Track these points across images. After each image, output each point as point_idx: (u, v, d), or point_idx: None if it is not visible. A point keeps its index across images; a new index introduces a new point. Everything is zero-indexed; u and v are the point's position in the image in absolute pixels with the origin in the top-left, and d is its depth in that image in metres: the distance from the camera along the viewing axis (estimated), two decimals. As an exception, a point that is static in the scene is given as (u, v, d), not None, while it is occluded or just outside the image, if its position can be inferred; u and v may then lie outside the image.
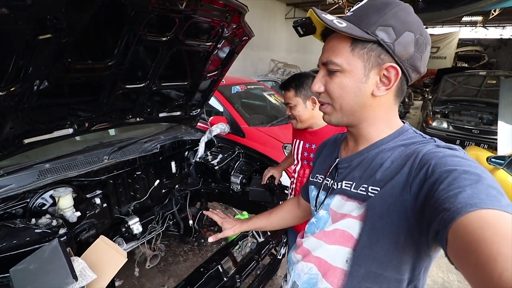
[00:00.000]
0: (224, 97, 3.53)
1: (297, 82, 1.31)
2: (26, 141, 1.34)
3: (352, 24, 0.52)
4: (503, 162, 2.46)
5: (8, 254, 1.02)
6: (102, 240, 1.14)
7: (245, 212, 2.45)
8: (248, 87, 4.12)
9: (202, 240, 2.61)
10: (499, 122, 3.53)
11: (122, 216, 1.77)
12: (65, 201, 1.36)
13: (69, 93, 1.37)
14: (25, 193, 1.34)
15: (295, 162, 1.49)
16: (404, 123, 0.61)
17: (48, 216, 1.26)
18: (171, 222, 2.07)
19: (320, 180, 0.71)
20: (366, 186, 0.55)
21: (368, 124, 0.58)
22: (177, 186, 2.19)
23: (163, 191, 2.09)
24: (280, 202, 1.55)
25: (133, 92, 1.64)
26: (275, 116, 3.72)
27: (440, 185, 0.42)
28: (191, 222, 2.05)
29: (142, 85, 1.60)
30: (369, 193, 0.54)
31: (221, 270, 1.05)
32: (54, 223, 1.21)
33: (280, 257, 1.66)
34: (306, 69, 11.26)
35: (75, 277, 0.81)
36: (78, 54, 1.15)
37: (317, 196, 0.70)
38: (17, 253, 1.04)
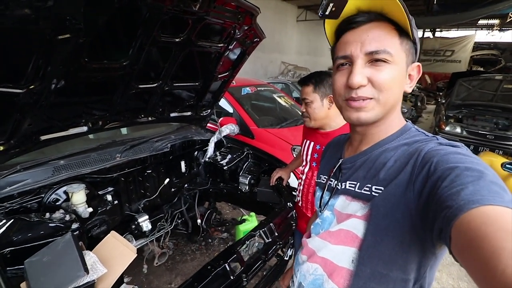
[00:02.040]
0: (234, 98, 3.56)
1: (317, 78, 1.29)
2: (43, 137, 1.38)
3: None
4: (519, 168, 2.39)
5: (23, 246, 1.06)
6: (113, 236, 1.16)
7: (252, 213, 2.46)
8: (258, 88, 4.14)
9: (210, 240, 2.63)
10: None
11: (132, 213, 1.80)
12: (78, 196, 1.40)
13: (85, 92, 1.41)
14: (40, 188, 1.38)
15: (304, 163, 1.48)
16: (406, 121, 0.61)
17: (61, 211, 1.31)
18: (179, 221, 2.09)
19: (324, 180, 0.71)
20: (370, 186, 0.55)
21: (385, 121, 0.57)
22: (186, 185, 2.21)
23: (173, 190, 2.11)
24: (288, 204, 1.55)
25: (146, 92, 1.67)
26: (285, 118, 3.72)
27: (442, 182, 0.42)
28: (199, 221, 2.07)
29: (155, 85, 1.63)
30: (373, 193, 0.54)
31: (228, 268, 1.05)
32: (67, 218, 1.25)
33: (287, 258, 1.65)
34: (316, 71, 11.21)
35: (87, 270, 0.83)
36: (95, 54, 1.19)
37: (322, 196, 0.70)
38: (31, 246, 1.08)
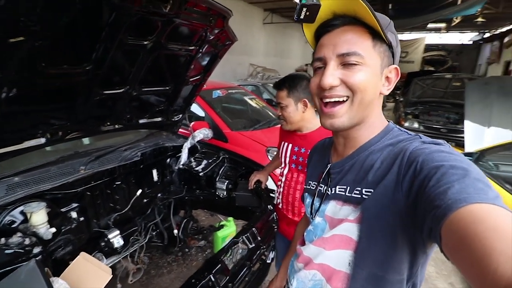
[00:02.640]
0: (206, 102, 3.48)
1: (290, 82, 1.31)
2: (-7, 153, 1.23)
3: None
4: (470, 158, 2.64)
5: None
6: (83, 257, 1.06)
7: (230, 218, 2.42)
8: (229, 91, 4.10)
9: (187, 250, 2.53)
10: (465, 121, 3.80)
11: (102, 230, 1.66)
12: (38, 217, 1.25)
13: (42, 100, 1.28)
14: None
15: (282, 165, 1.48)
16: (388, 122, 0.62)
17: (19, 234, 1.16)
18: (154, 233, 1.98)
19: (313, 187, 0.71)
20: (359, 189, 0.55)
21: (363, 124, 0.58)
22: (159, 195, 2.11)
23: (145, 201, 2.00)
24: (269, 207, 1.54)
25: (111, 98, 1.56)
26: (257, 120, 3.72)
27: (429, 181, 0.43)
28: (175, 231, 1.98)
29: (121, 90, 1.53)
30: (364, 195, 0.54)
31: (213, 279, 1.01)
32: (27, 241, 1.12)
33: (269, 261, 1.64)
34: (284, 73, 11.43)
35: (56, 301, 0.74)
36: (53, 58, 1.08)
37: (312, 203, 0.69)
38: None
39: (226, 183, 1.91)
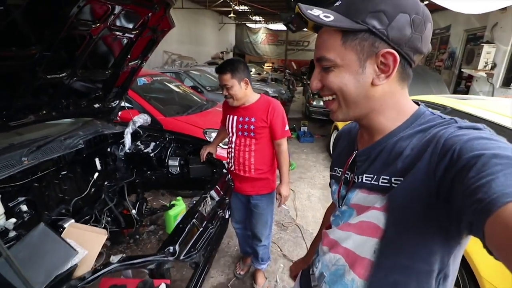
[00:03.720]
0: (132, 90, 3.38)
1: (231, 66, 1.56)
2: None
3: (340, 15, 0.51)
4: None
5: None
6: (73, 227, 1.12)
7: (179, 198, 2.57)
8: (154, 78, 4.05)
9: (137, 236, 2.57)
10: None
11: (56, 220, 1.62)
12: (-6, 209, 1.20)
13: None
14: None
15: (230, 134, 1.77)
16: (419, 105, 0.58)
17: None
18: (109, 219, 2.00)
19: (339, 174, 0.69)
20: (387, 177, 0.53)
21: (377, 114, 0.56)
22: (106, 182, 2.10)
23: (93, 189, 1.97)
24: (224, 170, 1.82)
25: (50, 84, 1.51)
26: (189, 105, 3.84)
27: (469, 172, 0.39)
28: (134, 211, 2.04)
29: (64, 74, 1.50)
30: (393, 184, 0.52)
31: (196, 223, 1.26)
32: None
33: (227, 217, 1.94)
34: (200, 61, 11.40)
35: (75, 250, 0.86)
36: (2, 40, 1.05)
37: (339, 191, 0.68)
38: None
39: (178, 160, 2.07)
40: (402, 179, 0.50)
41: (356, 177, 0.61)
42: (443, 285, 0.54)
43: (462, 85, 7.00)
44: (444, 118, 0.53)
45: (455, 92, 7.04)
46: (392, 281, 0.55)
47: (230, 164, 1.82)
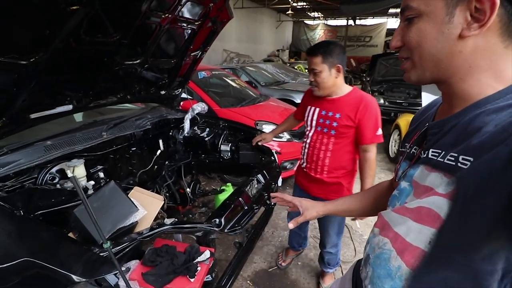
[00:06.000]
0: (193, 82, 3.66)
1: (325, 48, 1.34)
2: (33, 116, 1.37)
3: None
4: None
5: (49, 210, 1.13)
6: (136, 190, 1.28)
7: (229, 184, 2.70)
8: (213, 72, 4.30)
9: (190, 215, 2.78)
10: (422, 93, 4.37)
11: (127, 186, 1.86)
12: (80, 170, 1.44)
13: (72, 69, 1.43)
14: (36, 167, 1.38)
15: (308, 128, 1.58)
16: None
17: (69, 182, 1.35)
18: (167, 194, 2.21)
19: (408, 149, 0.62)
20: (456, 155, 0.45)
21: (462, 77, 0.47)
22: (166, 162, 2.32)
23: (155, 167, 2.20)
24: (272, 158, 1.84)
25: (126, 70, 1.73)
26: (243, 98, 3.99)
27: None
28: (188, 190, 2.22)
29: (137, 61, 1.71)
30: (459, 164, 0.44)
31: (242, 201, 1.30)
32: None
33: (273, 206, 1.96)
34: (257, 58, 11.66)
35: (137, 207, 0.98)
36: (92, 28, 1.25)
37: (399, 165, 0.62)
38: (57, 210, 1.15)
39: (229, 145, 2.18)
40: (471, 159, 0.42)
41: (422, 152, 0.54)
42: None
43: None
44: None
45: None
46: (443, 277, 0.47)
47: (302, 161, 1.65)
